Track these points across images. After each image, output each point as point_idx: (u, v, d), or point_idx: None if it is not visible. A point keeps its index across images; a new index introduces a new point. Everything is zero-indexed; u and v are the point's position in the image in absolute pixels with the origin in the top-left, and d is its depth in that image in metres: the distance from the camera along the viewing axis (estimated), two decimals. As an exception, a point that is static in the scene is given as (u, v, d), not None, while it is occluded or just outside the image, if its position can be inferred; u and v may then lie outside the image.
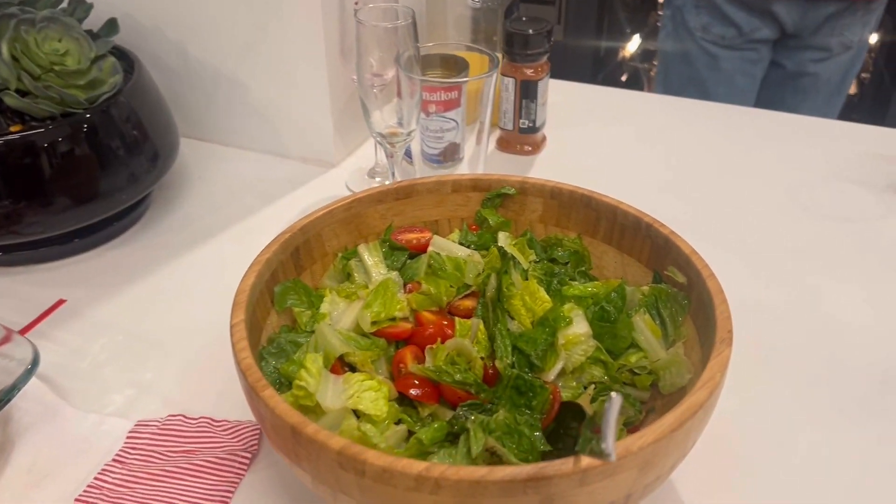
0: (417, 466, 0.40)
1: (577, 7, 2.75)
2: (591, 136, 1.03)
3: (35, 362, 0.59)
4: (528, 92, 0.94)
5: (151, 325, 0.72)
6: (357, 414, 0.49)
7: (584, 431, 0.41)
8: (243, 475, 0.57)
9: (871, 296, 0.74)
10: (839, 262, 0.79)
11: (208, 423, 0.61)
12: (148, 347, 0.69)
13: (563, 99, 1.09)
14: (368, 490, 0.41)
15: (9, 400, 0.57)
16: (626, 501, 0.43)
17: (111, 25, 0.84)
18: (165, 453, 0.59)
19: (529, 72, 0.92)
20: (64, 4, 0.80)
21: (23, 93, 0.73)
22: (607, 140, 1.02)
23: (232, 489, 0.56)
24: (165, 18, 0.93)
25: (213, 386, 0.65)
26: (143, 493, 0.56)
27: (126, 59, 0.84)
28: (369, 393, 0.49)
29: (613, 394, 0.37)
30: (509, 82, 0.94)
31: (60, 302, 0.74)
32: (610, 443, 0.36)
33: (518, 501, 0.40)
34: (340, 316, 0.55)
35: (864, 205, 0.88)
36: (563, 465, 0.40)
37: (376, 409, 0.48)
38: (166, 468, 0.58)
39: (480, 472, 0.39)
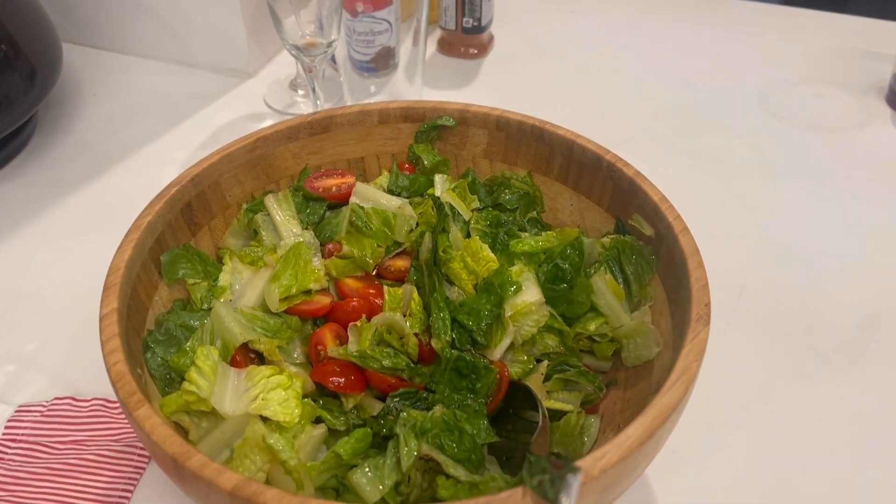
0: (326, 510, 0.32)
1: None
2: (543, 35, 0.91)
3: None
4: (470, -11, 0.81)
5: (35, 282, 0.62)
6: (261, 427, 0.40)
7: (532, 460, 0.34)
8: (143, 470, 0.49)
9: (850, 221, 0.67)
10: (815, 180, 0.71)
11: (102, 405, 0.53)
12: (31, 310, 0.59)
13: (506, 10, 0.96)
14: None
15: None
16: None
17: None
18: (52, 445, 0.51)
19: (472, -38, 0.80)
20: None
21: None
22: (561, 39, 0.90)
23: (131, 487, 0.48)
24: None
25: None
26: (26, 498, 0.48)
27: (-16, -45, 0.70)
28: (277, 392, 0.40)
29: (570, 476, 0.29)
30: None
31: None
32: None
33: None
34: (244, 289, 0.46)
35: (844, 110, 0.80)
36: (510, 499, 0.32)
37: (286, 414, 0.40)
38: (52, 465, 0.49)
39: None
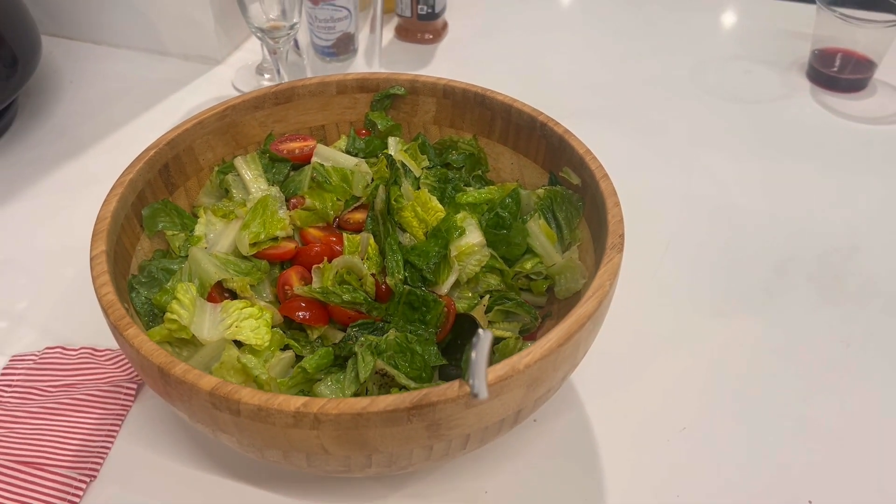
0: (295, 403, 0.37)
1: None
2: (493, 21, 0.98)
3: None
4: (424, -26, 0.87)
5: (21, 250, 0.67)
6: (239, 344, 0.46)
7: (466, 359, 0.40)
8: (129, 406, 0.55)
9: (767, 179, 0.74)
10: (741, 146, 0.78)
11: (90, 353, 0.58)
12: (19, 274, 0.64)
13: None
14: (246, 429, 0.39)
15: None
16: (517, 417, 0.43)
17: None
18: (45, 388, 0.56)
19: (424, -48, 0.86)
20: None
21: None
22: (511, 25, 0.97)
23: (119, 422, 0.54)
24: None
25: (94, 314, 0.60)
26: (23, 434, 0.53)
27: (-36, -51, 0.74)
28: (249, 321, 0.46)
29: (481, 331, 0.35)
30: None
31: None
32: (479, 382, 0.35)
33: (404, 429, 0.39)
34: (217, 238, 0.51)
35: (769, 85, 0.87)
36: (448, 389, 0.38)
37: (257, 339, 0.45)
38: (46, 405, 0.54)
39: (361, 403, 0.38)
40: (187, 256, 0.50)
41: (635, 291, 0.61)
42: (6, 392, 0.56)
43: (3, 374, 0.57)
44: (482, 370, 0.35)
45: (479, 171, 0.60)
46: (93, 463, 0.51)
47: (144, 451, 0.52)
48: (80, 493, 0.50)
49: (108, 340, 0.58)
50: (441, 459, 0.43)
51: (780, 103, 0.84)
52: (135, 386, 0.56)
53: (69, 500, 0.49)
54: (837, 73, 0.86)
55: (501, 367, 0.39)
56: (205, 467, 0.51)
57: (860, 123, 0.82)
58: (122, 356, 0.57)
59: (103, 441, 0.53)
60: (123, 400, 0.55)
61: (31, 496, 0.49)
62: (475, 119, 0.60)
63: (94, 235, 0.46)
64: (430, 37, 0.93)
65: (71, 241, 0.67)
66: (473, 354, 0.35)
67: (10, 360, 0.57)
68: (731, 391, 0.55)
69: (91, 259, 0.45)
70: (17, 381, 0.56)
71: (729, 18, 0.98)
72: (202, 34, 0.87)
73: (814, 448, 0.52)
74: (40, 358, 0.58)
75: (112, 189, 0.49)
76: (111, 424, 0.54)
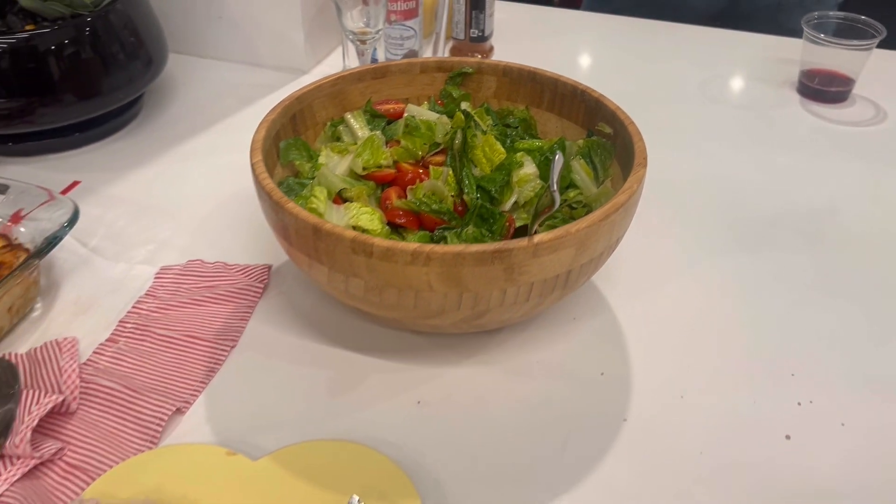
0: (412, 246, 0.53)
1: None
2: (531, 49, 1.16)
3: (75, 216, 0.69)
4: (477, 3, 1.06)
5: (159, 199, 0.83)
6: (357, 231, 0.61)
7: (534, 217, 0.55)
8: (257, 301, 0.70)
9: (763, 162, 0.90)
10: (738, 139, 0.95)
11: (223, 265, 0.73)
12: (159, 214, 0.81)
13: (508, 16, 1.22)
14: (375, 269, 0.54)
15: (53, 246, 0.67)
16: (567, 277, 0.58)
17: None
18: (190, 287, 0.71)
19: (478, -15, 1.05)
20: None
21: (34, -5, 0.82)
22: (544, 51, 1.15)
23: (250, 311, 0.69)
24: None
25: (222, 241, 0.77)
26: (174, 318, 0.68)
27: (118, -28, 0.93)
28: (366, 215, 0.62)
29: (558, 154, 0.51)
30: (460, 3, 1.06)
31: (76, 183, 0.85)
32: (555, 189, 0.50)
33: (488, 270, 0.54)
34: (336, 166, 0.68)
35: (764, 96, 1.04)
36: (520, 242, 0.53)
37: (372, 225, 0.61)
38: (192, 298, 0.70)
39: (459, 248, 0.53)
40: (314, 177, 0.66)
41: (658, 232, 0.77)
42: (159, 290, 0.71)
43: (156, 278, 0.72)
44: (556, 181, 0.51)
45: (531, 133, 0.76)
46: (233, 336, 0.66)
47: (269, 330, 0.67)
48: (224, 355, 0.65)
49: (235, 259, 0.74)
50: (511, 308, 0.57)
51: (774, 110, 1.01)
52: (261, 286, 0.71)
53: (216, 360, 0.64)
54: (822, 88, 1.02)
55: (558, 231, 0.54)
56: (312, 338, 0.66)
57: (841, 126, 0.98)
58: (249, 268, 0.73)
59: (239, 323, 0.68)
60: (252, 296, 0.70)
61: (189, 358, 0.64)
62: (527, 92, 0.76)
63: (252, 149, 0.62)
64: (480, 56, 1.11)
65: (194, 192, 0.84)
66: (552, 170, 0.51)
67: (161, 269, 0.73)
68: (731, 304, 0.70)
69: (252, 164, 0.61)
70: (168, 282, 0.72)
71: (731, 48, 1.16)
72: (293, 49, 1.05)
73: (795, 344, 0.66)
74: (184, 267, 0.73)
75: (260, 123, 0.66)
76: (245, 311, 0.69)
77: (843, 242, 0.78)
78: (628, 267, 0.73)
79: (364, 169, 0.67)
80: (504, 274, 0.54)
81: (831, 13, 1.01)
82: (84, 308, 0.69)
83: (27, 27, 0.82)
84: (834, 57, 1.01)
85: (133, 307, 0.69)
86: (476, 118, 0.72)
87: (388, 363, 0.64)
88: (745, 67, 1.11)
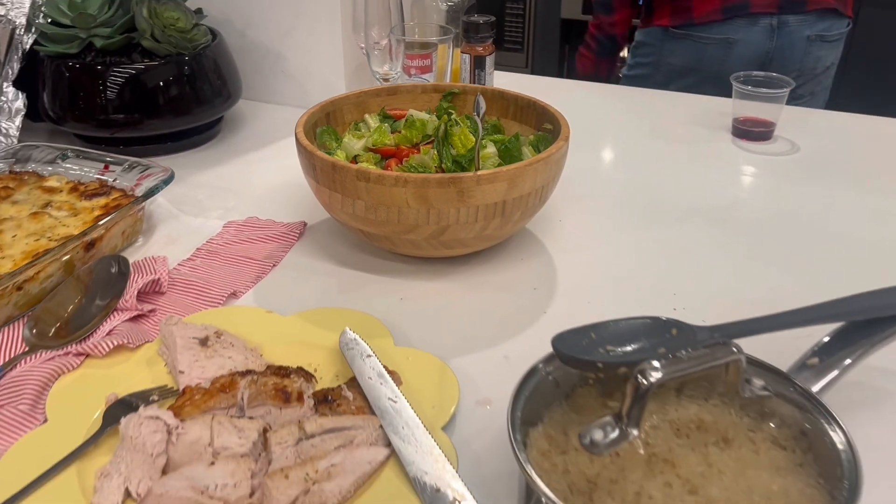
0: (395, 173, 0.80)
1: (542, 56, 3.25)
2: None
3: (171, 177, 0.98)
4: (479, 64, 1.37)
5: (229, 185, 1.13)
6: (364, 179, 0.89)
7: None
8: (294, 242, 0.97)
9: (688, 175, 1.16)
10: (676, 159, 1.21)
11: (272, 221, 1.02)
12: (229, 194, 1.10)
13: (506, 82, 1.53)
14: (371, 191, 0.81)
15: (154, 194, 0.96)
16: (503, 207, 0.83)
17: (199, 10, 1.27)
18: (248, 231, 0.99)
19: (480, 49, 1.36)
20: (173, -8, 1.24)
21: (153, 40, 1.15)
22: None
23: (289, 247, 0.96)
24: (232, 12, 1.36)
25: (271, 209, 1.05)
26: (235, 248, 0.95)
27: (211, 33, 1.27)
28: (371, 166, 0.90)
29: (479, 95, 0.79)
30: (466, 57, 1.37)
31: (167, 169, 1.15)
32: (478, 118, 0.78)
33: (445, 191, 0.80)
34: (354, 143, 0.96)
35: (703, 136, 1.31)
36: (467, 174, 0.80)
37: (375, 175, 0.89)
38: (248, 237, 0.98)
39: (426, 175, 0.80)
40: (339, 148, 0.95)
41: (595, 212, 1.03)
42: (225, 233, 0.99)
43: (224, 227, 1.00)
44: (481, 115, 0.78)
45: (499, 132, 1.04)
46: (276, 259, 0.93)
47: (300, 258, 0.94)
48: (268, 269, 0.91)
49: (281, 219, 1.02)
50: (465, 227, 0.83)
51: (710, 144, 1.28)
52: (298, 232, 0.98)
53: (262, 271, 0.91)
54: (750, 129, 1.29)
55: (495, 169, 0.81)
56: (329, 262, 0.92)
57: (762, 155, 1.24)
58: (291, 223, 1.00)
59: (280, 252, 0.95)
60: (291, 238, 0.98)
61: (244, 269, 0.91)
62: (497, 106, 1.05)
63: (297, 125, 0.91)
64: (481, 105, 1.40)
65: (254, 182, 1.13)
66: (478, 107, 0.78)
67: (227, 222, 1.01)
68: (642, 256, 0.95)
69: (296, 133, 0.90)
70: (233, 228, 1.00)
71: (677, 108, 1.44)
72: (336, 93, 1.36)
73: (680, 276, 0.91)
74: (242, 222, 1.01)
75: (305, 113, 0.95)
76: (285, 246, 0.96)
77: (742, 225, 1.02)
78: (567, 231, 0.99)
79: (373, 144, 0.95)
80: (457, 196, 0.81)
81: (754, 73, 1.29)
82: (172, 241, 0.97)
83: (145, 61, 1.15)
84: (756, 105, 1.27)
85: (206, 242, 0.97)
86: (456, 118, 1.01)
87: (381, 277, 0.90)
88: (688, 118, 1.39)
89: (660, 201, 1.09)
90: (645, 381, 0.48)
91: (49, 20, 1.17)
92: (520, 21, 3.16)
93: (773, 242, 0.98)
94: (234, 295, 0.86)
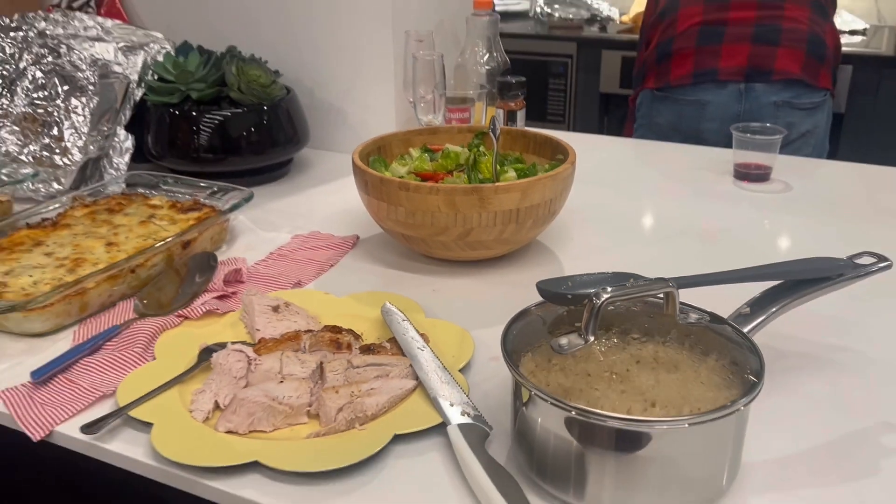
0: (430, 184, 1.00)
1: (583, 128, 3.47)
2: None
3: (250, 196, 1.21)
4: (511, 117, 1.58)
5: (297, 210, 1.35)
6: (406, 194, 1.10)
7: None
8: (349, 250, 1.18)
9: (689, 208, 1.34)
10: (682, 197, 1.39)
11: (330, 235, 1.22)
12: (297, 216, 1.32)
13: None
14: (411, 199, 1.01)
15: (236, 208, 1.18)
16: (517, 214, 1.03)
17: (276, 70, 1.53)
18: (311, 242, 1.20)
19: (512, 104, 1.57)
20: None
21: (239, 92, 1.40)
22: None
23: (344, 253, 1.17)
24: (303, 73, 1.62)
25: (330, 226, 1.26)
26: (300, 253, 1.16)
27: (286, 89, 1.52)
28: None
29: (497, 112, 0.99)
30: (500, 112, 1.59)
31: (247, 190, 1.37)
32: (495, 133, 0.98)
33: (469, 198, 1.00)
34: (399, 169, 1.17)
35: (708, 179, 1.49)
36: (487, 185, 1.00)
37: (415, 191, 1.09)
38: (311, 245, 1.18)
39: (454, 186, 1.00)
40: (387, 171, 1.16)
41: (602, 233, 1.21)
42: (293, 244, 1.20)
43: (292, 239, 1.21)
44: (499, 126, 0.98)
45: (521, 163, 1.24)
46: (333, 262, 1.14)
47: (353, 262, 1.14)
48: (328, 269, 1.12)
49: (338, 233, 1.23)
50: (486, 230, 1.02)
51: (714, 185, 1.45)
52: (352, 243, 1.19)
53: (322, 270, 1.11)
54: (748, 171, 1.46)
55: (510, 182, 1.00)
56: (375, 265, 1.12)
57: (759, 193, 1.41)
58: (345, 237, 1.21)
59: (337, 257, 1.15)
60: (346, 247, 1.18)
61: (307, 269, 1.12)
62: (520, 144, 1.25)
63: (353, 154, 1.13)
64: (513, 153, 1.61)
65: (317, 209, 1.35)
66: (493, 122, 0.98)
67: (294, 236, 1.23)
68: (636, 259, 1.13)
69: (352, 158, 1.11)
70: (298, 240, 1.21)
71: (686, 156, 1.62)
72: (388, 142, 1.59)
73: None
74: (307, 235, 1.23)
75: (359, 146, 1.17)
76: (341, 253, 1.17)
77: (732, 247, 1.19)
78: (577, 244, 1.17)
79: (415, 169, 1.16)
80: (479, 202, 1.01)
81: (752, 123, 1.47)
82: (250, 248, 1.19)
83: (232, 110, 1.40)
84: (755, 155, 1.45)
85: (277, 249, 1.18)
86: (484, 150, 1.21)
87: (418, 275, 1.09)
88: (696, 165, 1.57)
89: (661, 224, 1.26)
90: (597, 300, 0.66)
91: (156, 77, 1.43)
92: (561, 96, 3.41)
93: (759, 259, 1.14)
94: (298, 284, 1.07)
